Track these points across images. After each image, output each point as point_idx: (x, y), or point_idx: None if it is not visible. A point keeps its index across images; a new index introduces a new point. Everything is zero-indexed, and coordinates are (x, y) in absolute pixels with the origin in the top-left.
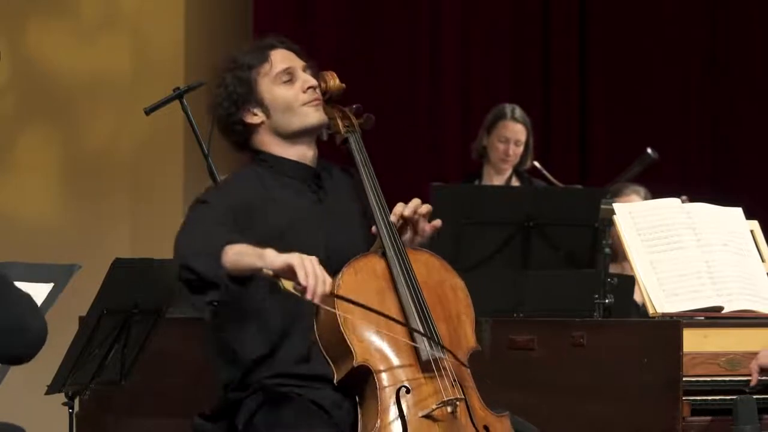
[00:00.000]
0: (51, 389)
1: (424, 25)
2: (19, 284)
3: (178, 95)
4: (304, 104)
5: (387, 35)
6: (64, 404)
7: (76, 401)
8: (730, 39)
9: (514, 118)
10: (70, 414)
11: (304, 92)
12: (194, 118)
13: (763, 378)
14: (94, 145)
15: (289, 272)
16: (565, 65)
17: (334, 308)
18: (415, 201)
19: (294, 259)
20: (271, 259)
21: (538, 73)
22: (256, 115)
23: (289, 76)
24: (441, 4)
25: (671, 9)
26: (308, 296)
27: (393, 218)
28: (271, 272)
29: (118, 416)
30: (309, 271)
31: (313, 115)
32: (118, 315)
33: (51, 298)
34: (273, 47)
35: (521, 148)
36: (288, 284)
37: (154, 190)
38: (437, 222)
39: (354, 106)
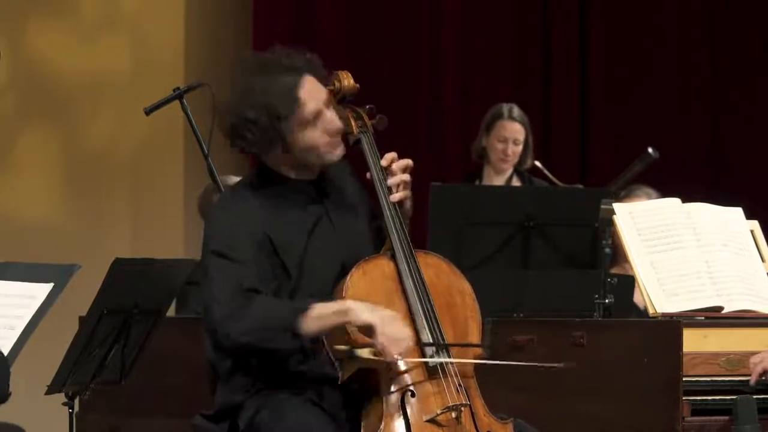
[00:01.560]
0: (51, 389)
1: (424, 25)
2: (19, 284)
3: (178, 95)
4: (328, 146)
5: (387, 35)
6: (64, 404)
7: (76, 401)
8: (730, 39)
9: (511, 118)
10: (70, 414)
11: (330, 136)
12: (194, 118)
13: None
14: (94, 145)
15: (370, 331)
16: (565, 65)
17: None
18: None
19: (374, 318)
20: (356, 316)
21: (538, 73)
22: (278, 152)
23: (318, 119)
24: (441, 3)
25: (671, 9)
26: (387, 359)
27: (384, 162)
28: (344, 348)
29: (118, 416)
30: (388, 335)
31: (332, 156)
32: (118, 315)
33: (51, 298)
34: (301, 81)
35: (520, 147)
36: (364, 352)
37: (154, 190)
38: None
39: (367, 107)
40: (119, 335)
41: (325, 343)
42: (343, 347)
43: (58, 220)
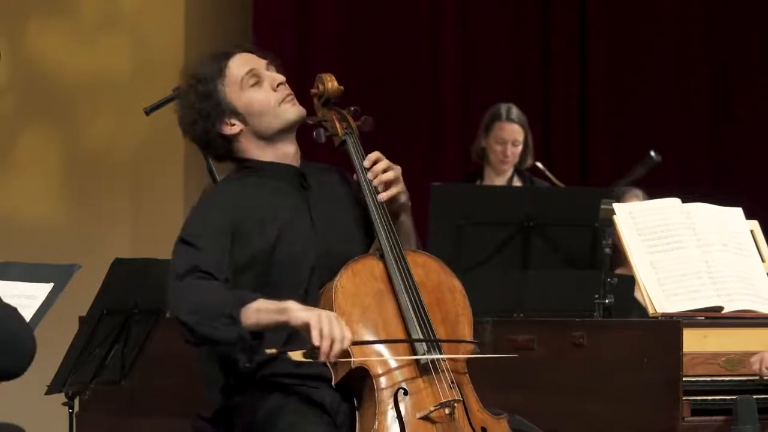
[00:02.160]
0: (51, 389)
1: (424, 25)
2: (19, 284)
3: (178, 95)
4: (279, 102)
5: (387, 35)
6: (64, 404)
7: (76, 401)
8: (730, 39)
9: (509, 119)
10: (70, 414)
11: (275, 90)
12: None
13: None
14: (94, 145)
15: (308, 330)
16: (565, 65)
17: (350, 357)
18: (374, 158)
19: (312, 318)
20: (294, 314)
21: (538, 73)
22: (233, 125)
23: (256, 79)
24: (441, 3)
25: (671, 9)
26: (322, 358)
27: (366, 163)
28: (275, 351)
29: (118, 416)
30: (325, 333)
31: (291, 111)
32: (118, 315)
33: (51, 298)
34: (229, 55)
35: (519, 148)
36: (296, 355)
37: (154, 190)
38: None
39: (352, 108)
40: (119, 335)
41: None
42: (273, 350)
43: (58, 220)
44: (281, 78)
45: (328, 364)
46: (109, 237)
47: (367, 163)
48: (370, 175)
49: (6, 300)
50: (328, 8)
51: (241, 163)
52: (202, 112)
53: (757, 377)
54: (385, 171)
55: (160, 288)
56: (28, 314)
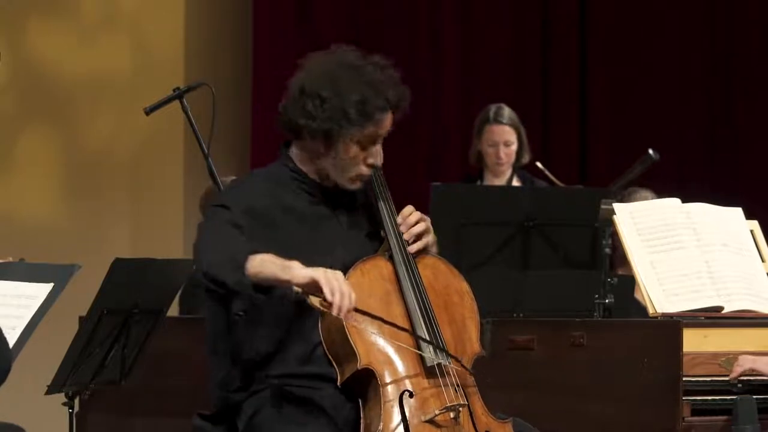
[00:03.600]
0: (51, 389)
1: (424, 25)
2: (19, 284)
3: (178, 95)
4: (354, 177)
5: (387, 35)
6: (64, 404)
7: (76, 401)
8: (730, 39)
9: (498, 121)
10: (70, 414)
11: (365, 165)
12: (194, 118)
13: (759, 378)
14: (94, 145)
15: (314, 287)
16: (565, 65)
17: (356, 321)
18: (411, 219)
19: (319, 274)
20: (296, 272)
21: (538, 73)
22: (318, 144)
23: (369, 143)
24: (441, 3)
25: (671, 9)
26: (334, 312)
27: (399, 219)
28: (299, 290)
29: (118, 416)
30: (335, 287)
31: (352, 186)
32: (118, 315)
33: (51, 298)
34: (384, 109)
35: (513, 148)
36: (315, 300)
37: (154, 190)
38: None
39: None
40: (119, 335)
41: (323, 343)
42: (297, 289)
43: (58, 220)
44: (378, 162)
45: (334, 364)
46: (109, 237)
47: (399, 219)
48: (403, 229)
49: (6, 300)
50: (328, 9)
51: (286, 159)
52: (318, 124)
53: (757, 377)
54: (416, 223)
55: (160, 288)
56: (28, 314)
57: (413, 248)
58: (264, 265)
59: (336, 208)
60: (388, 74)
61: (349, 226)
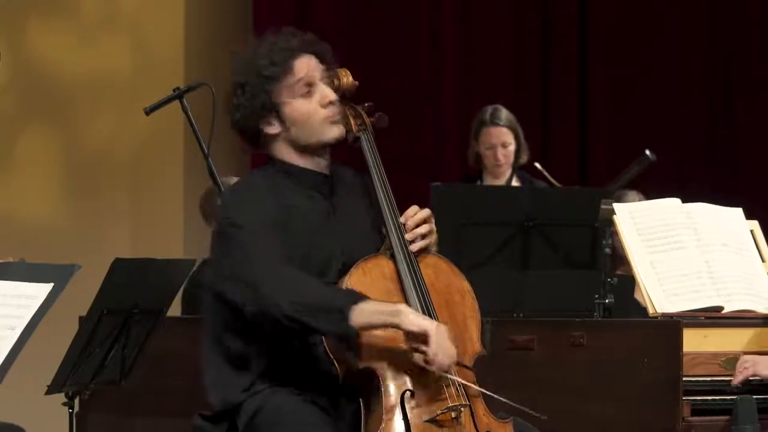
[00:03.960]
0: (51, 389)
1: (424, 25)
2: (19, 284)
3: (178, 95)
4: (323, 121)
5: (387, 35)
6: (64, 404)
7: (76, 401)
8: (730, 39)
9: (494, 123)
10: (70, 414)
11: (324, 107)
12: (194, 118)
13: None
14: (94, 145)
15: (421, 338)
16: (565, 65)
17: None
18: (415, 219)
19: (432, 327)
20: (408, 318)
21: (538, 73)
22: (273, 125)
23: (308, 88)
24: (441, 4)
25: (671, 9)
26: (433, 369)
27: (403, 219)
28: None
29: (118, 416)
30: (441, 345)
31: (330, 132)
32: (118, 315)
33: (51, 298)
34: (296, 54)
35: (511, 149)
36: (419, 357)
37: (154, 190)
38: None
39: (366, 104)
40: (119, 335)
41: (325, 342)
42: (391, 345)
43: (58, 220)
44: (333, 96)
45: (334, 361)
46: (109, 237)
47: (403, 219)
48: (408, 227)
49: (6, 300)
50: (328, 9)
51: (271, 161)
52: (252, 104)
53: (757, 377)
54: (421, 223)
55: (160, 288)
56: (28, 314)
57: (415, 247)
58: (372, 316)
59: (333, 198)
60: (296, 37)
61: (348, 219)
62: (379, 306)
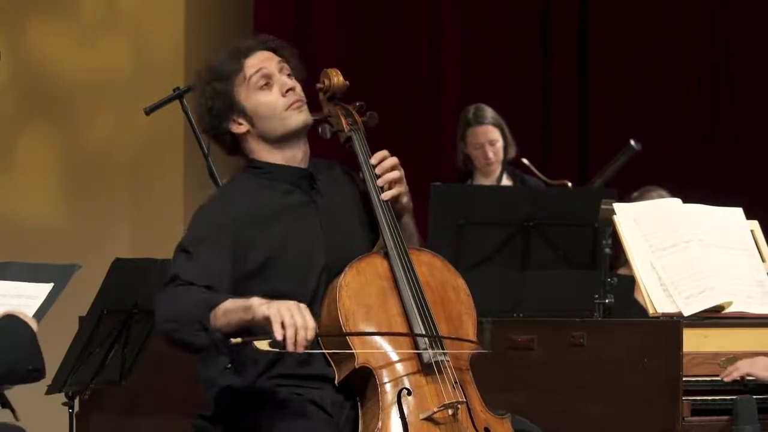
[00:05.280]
0: (51, 389)
1: (424, 26)
2: (19, 284)
3: (178, 95)
4: (286, 109)
5: (387, 35)
6: (64, 404)
7: (76, 401)
8: (730, 39)
9: (478, 122)
10: (70, 414)
11: (284, 95)
12: (194, 118)
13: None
14: (94, 145)
15: (270, 323)
16: (565, 65)
17: (322, 348)
18: (383, 166)
19: (271, 310)
20: (256, 311)
21: (538, 74)
22: (240, 124)
23: (265, 80)
24: (441, 5)
25: (671, 9)
26: (289, 348)
27: (374, 160)
28: (239, 340)
29: (118, 416)
30: (287, 322)
31: (296, 119)
32: (118, 315)
33: (51, 298)
34: (248, 53)
35: (498, 145)
36: (262, 344)
37: (154, 190)
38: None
39: (357, 104)
40: (119, 335)
41: (321, 343)
42: (239, 339)
43: (58, 220)
44: (291, 83)
45: (330, 361)
46: (109, 237)
47: (374, 161)
48: (378, 171)
49: (6, 300)
50: (329, 9)
51: (249, 163)
52: (213, 109)
53: (752, 378)
54: (392, 168)
55: (160, 288)
56: (28, 314)
57: (387, 195)
58: (227, 316)
59: (313, 192)
60: (251, 39)
61: (331, 213)
62: (232, 304)
